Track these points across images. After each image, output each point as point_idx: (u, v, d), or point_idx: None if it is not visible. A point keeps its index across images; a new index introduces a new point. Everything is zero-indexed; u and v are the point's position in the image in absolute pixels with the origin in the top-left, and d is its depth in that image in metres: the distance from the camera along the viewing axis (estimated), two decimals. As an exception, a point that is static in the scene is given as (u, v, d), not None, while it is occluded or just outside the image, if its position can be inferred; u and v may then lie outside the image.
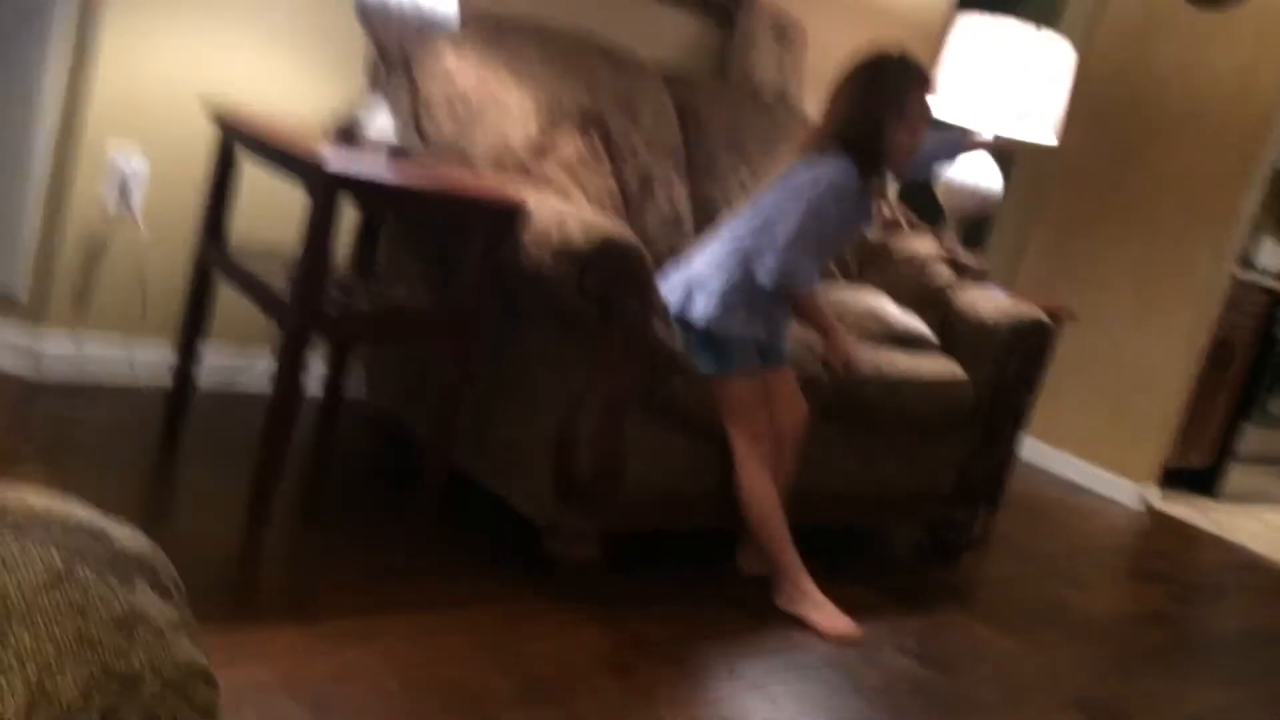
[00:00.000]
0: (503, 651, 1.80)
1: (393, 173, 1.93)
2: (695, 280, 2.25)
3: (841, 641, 2.18)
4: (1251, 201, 4.07)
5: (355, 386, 2.62)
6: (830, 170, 2.21)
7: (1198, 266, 4.06)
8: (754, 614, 2.23)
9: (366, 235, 2.33)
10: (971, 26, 3.35)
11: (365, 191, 1.96)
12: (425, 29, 2.01)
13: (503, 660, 1.77)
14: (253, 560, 1.93)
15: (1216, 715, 2.39)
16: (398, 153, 2.02)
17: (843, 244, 2.70)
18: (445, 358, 2.09)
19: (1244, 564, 3.81)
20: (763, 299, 2.24)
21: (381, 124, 2.02)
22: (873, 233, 3.12)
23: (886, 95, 2.21)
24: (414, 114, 2.30)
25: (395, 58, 2.05)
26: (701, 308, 2.22)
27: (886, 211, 3.19)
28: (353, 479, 2.41)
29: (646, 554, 2.33)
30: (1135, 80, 4.25)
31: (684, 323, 2.22)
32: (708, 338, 2.21)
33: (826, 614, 2.21)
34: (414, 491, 2.12)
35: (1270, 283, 4.59)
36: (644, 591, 2.19)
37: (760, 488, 2.24)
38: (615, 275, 2.00)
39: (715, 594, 2.28)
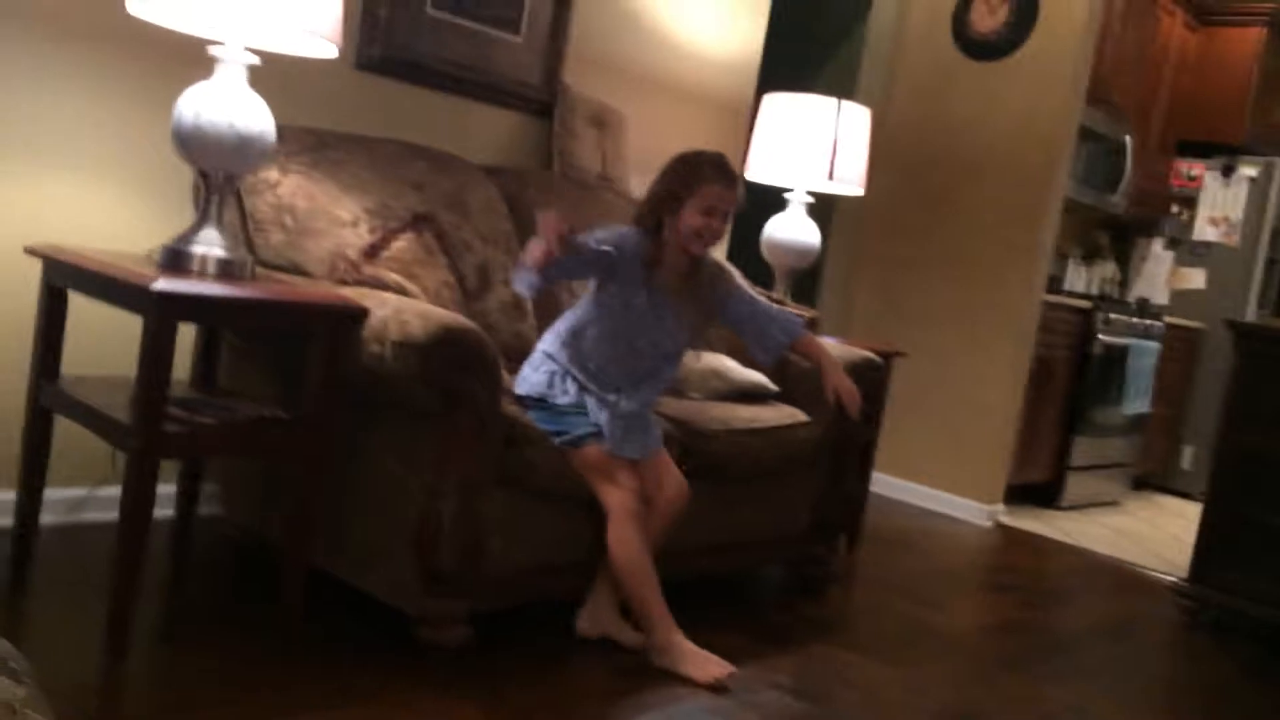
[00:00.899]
0: (383, 743, 1.82)
1: (222, 288, 1.97)
2: (532, 358, 2.42)
3: (716, 687, 2.26)
4: (1051, 231, 4.41)
5: (209, 502, 2.61)
6: (615, 229, 2.42)
7: (1011, 296, 4.37)
8: (631, 674, 2.30)
9: (206, 352, 2.35)
10: (777, 103, 3.61)
11: (196, 308, 2.00)
12: (244, 148, 2.07)
13: (384, 751, 1.79)
14: (116, 691, 1.90)
15: (1071, 711, 2.55)
16: (229, 269, 2.06)
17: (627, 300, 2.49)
18: (297, 464, 2.12)
19: (1089, 566, 4.06)
20: (594, 370, 2.37)
21: (210, 244, 2.06)
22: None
23: (676, 181, 2.40)
24: (243, 231, 2.35)
25: (218, 179, 2.10)
26: (527, 378, 2.37)
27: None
28: (215, 595, 2.39)
29: (520, 626, 2.38)
30: (932, 132, 4.58)
31: (523, 398, 2.35)
32: (544, 408, 2.33)
33: (697, 663, 2.29)
34: (278, 600, 2.13)
35: (1078, 303, 4.96)
36: (521, 664, 2.23)
37: (628, 543, 2.30)
38: (458, 362, 2.08)
39: (592, 659, 2.34)
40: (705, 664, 2.29)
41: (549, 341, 2.44)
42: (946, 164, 4.55)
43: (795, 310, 3.29)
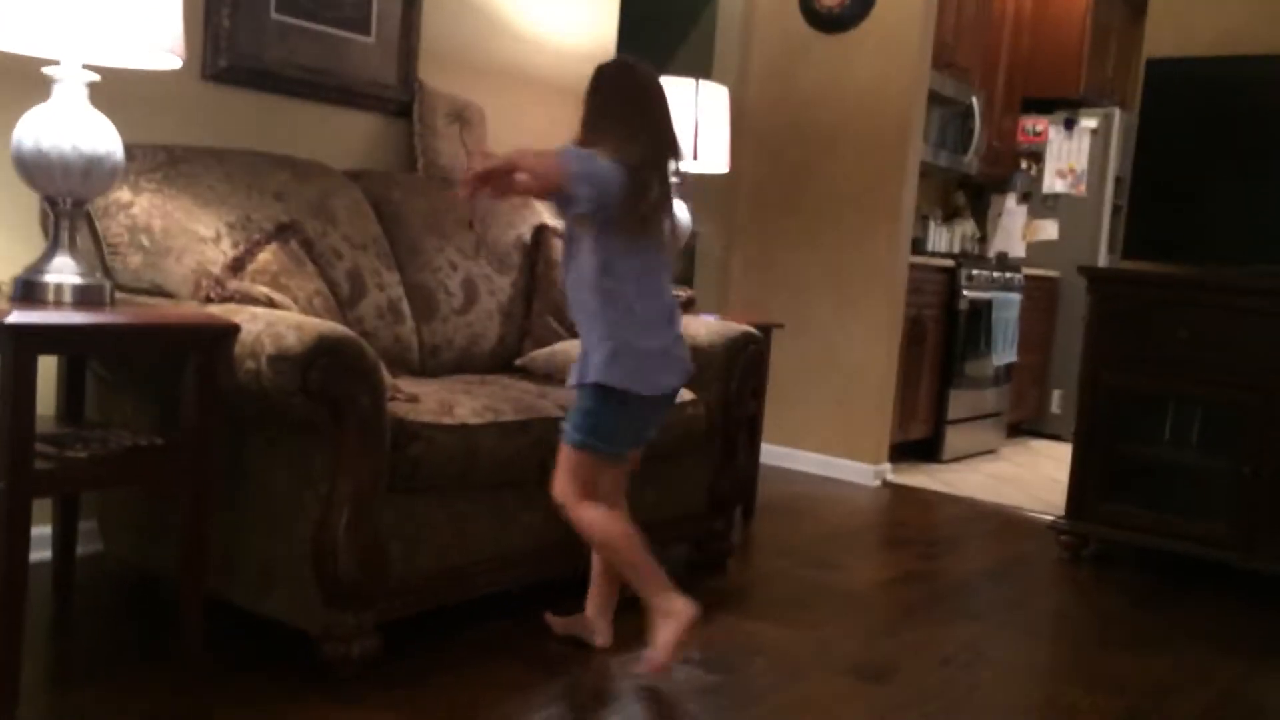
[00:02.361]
0: (297, 764, 1.79)
1: (82, 316, 1.90)
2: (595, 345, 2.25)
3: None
4: (910, 195, 4.54)
5: (89, 539, 2.51)
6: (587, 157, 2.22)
7: (879, 259, 4.49)
8: (539, 664, 2.30)
9: (70, 383, 2.26)
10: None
11: (55, 339, 1.92)
12: (91, 170, 1.99)
13: (299, 772, 1.76)
14: (10, 744, 1.82)
15: (969, 650, 2.65)
16: (86, 296, 1.98)
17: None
18: (179, 491, 2.06)
19: (974, 514, 4.21)
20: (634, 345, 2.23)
21: (63, 272, 1.97)
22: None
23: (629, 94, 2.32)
24: (99, 256, 2.26)
25: (66, 205, 2.02)
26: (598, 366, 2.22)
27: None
28: (106, 634, 2.30)
29: (431, 630, 2.35)
30: (790, 106, 4.68)
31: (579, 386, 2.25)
32: (598, 400, 2.23)
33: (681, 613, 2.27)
34: (174, 633, 2.06)
35: (942, 262, 5.13)
36: (434, 669, 2.21)
37: (612, 527, 2.27)
38: (337, 371, 2.04)
39: (501, 653, 2.33)
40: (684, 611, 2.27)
41: (596, 324, 2.24)
42: (806, 137, 4.65)
43: (678, 291, 3.33)
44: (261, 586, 2.19)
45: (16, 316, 1.78)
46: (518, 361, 3.04)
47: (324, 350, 2.02)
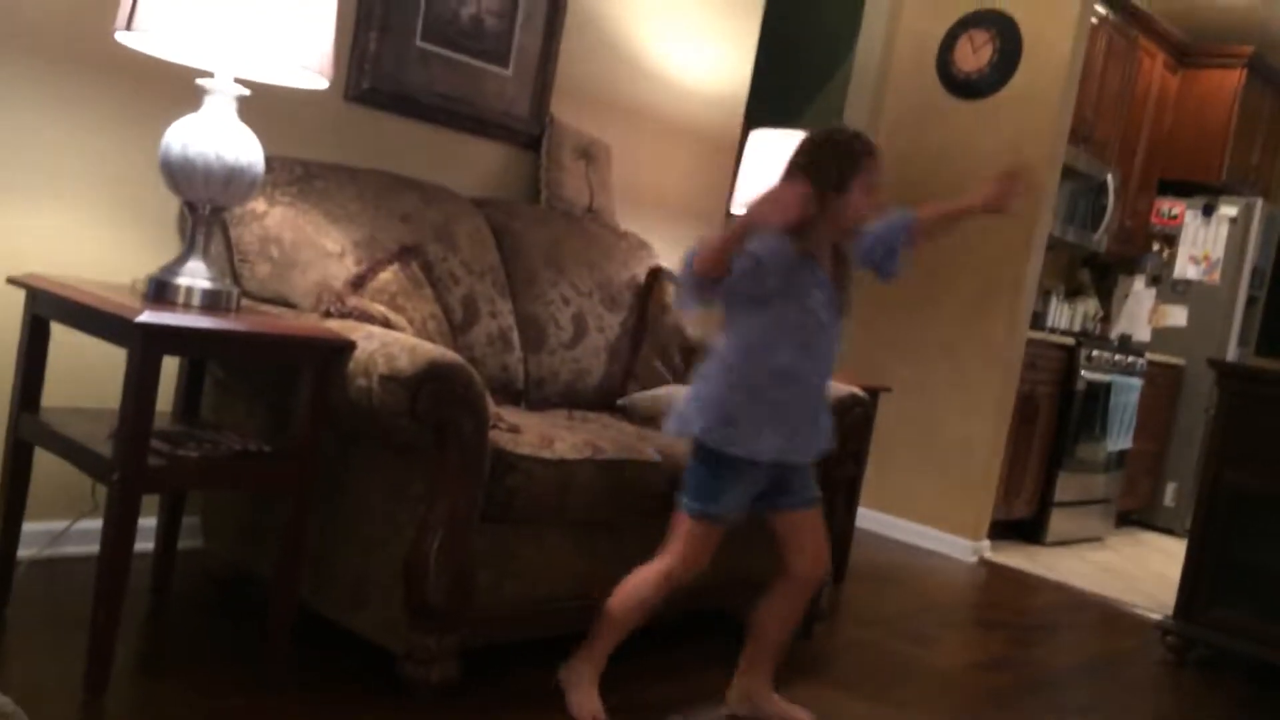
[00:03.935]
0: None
1: (208, 321, 1.95)
2: (702, 393, 2.17)
3: None
4: (1035, 268, 4.43)
5: (191, 535, 2.57)
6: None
7: (996, 331, 4.38)
8: (621, 708, 2.27)
9: (189, 384, 2.33)
10: (763, 139, 3.63)
11: (181, 340, 1.98)
12: (232, 180, 2.06)
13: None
14: (96, 728, 1.86)
15: (1060, 747, 2.54)
16: (214, 301, 2.04)
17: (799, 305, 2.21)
18: (282, 498, 2.10)
19: (1074, 603, 4.04)
20: (765, 399, 2.12)
21: (195, 276, 2.04)
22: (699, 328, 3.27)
23: (835, 165, 2.15)
24: (229, 263, 2.33)
25: (205, 211, 2.09)
26: (695, 418, 2.14)
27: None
28: (197, 630, 2.35)
29: (512, 662, 2.34)
30: (918, 168, 4.61)
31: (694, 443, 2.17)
32: (709, 460, 2.14)
33: (584, 699, 2.22)
34: (262, 634, 2.09)
35: (1062, 340, 4.98)
36: (507, 701, 2.20)
37: (648, 595, 2.18)
38: (444, 397, 2.06)
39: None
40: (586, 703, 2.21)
41: (718, 374, 2.16)
42: (929, 197, 4.56)
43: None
44: (350, 601, 2.21)
45: (148, 316, 1.84)
46: (620, 401, 3.03)
47: (434, 375, 2.04)
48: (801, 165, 2.17)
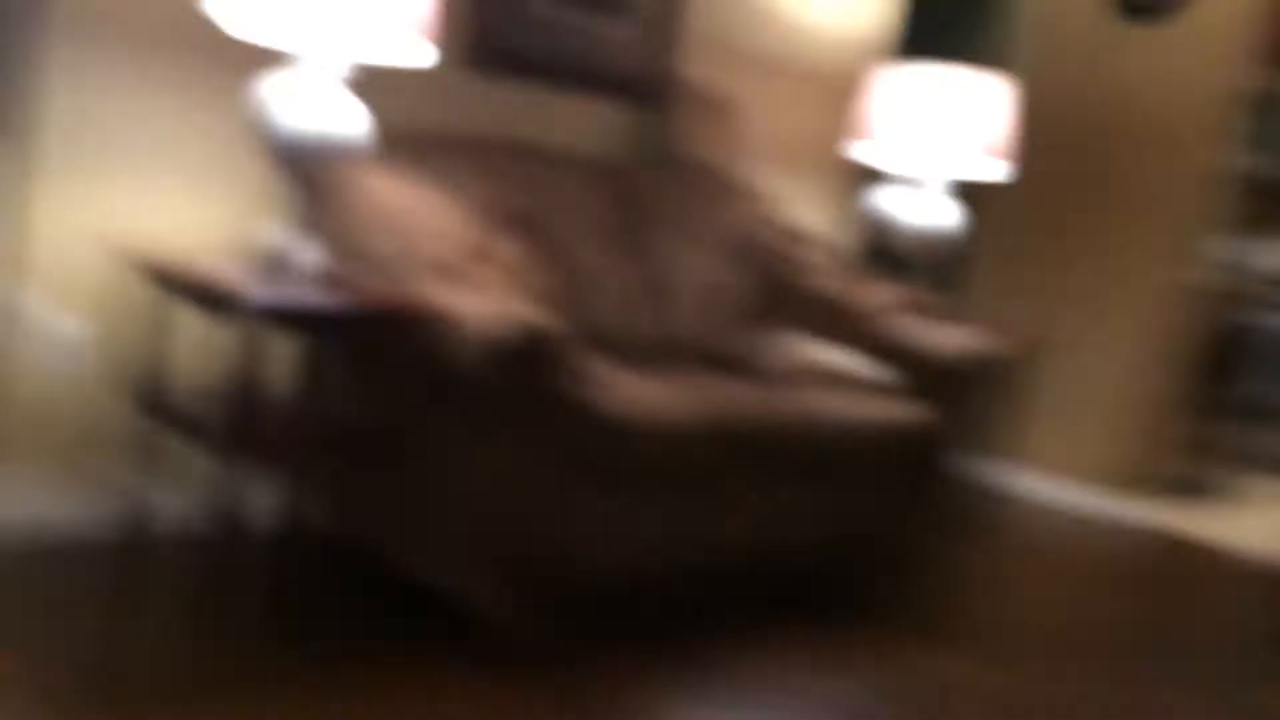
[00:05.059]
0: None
1: (321, 298, 2.01)
2: None
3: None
4: (1218, 206, 4.08)
5: (302, 506, 2.66)
6: None
7: (1169, 276, 4.07)
8: (717, 673, 2.24)
9: (300, 355, 2.40)
10: (891, 76, 3.41)
11: (294, 316, 2.04)
12: (341, 152, 2.10)
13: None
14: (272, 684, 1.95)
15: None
16: (325, 275, 2.10)
17: None
18: (390, 468, 2.15)
19: (1240, 571, 3.74)
20: None
21: (308, 251, 2.10)
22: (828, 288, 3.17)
23: None
24: (342, 236, 2.39)
25: (316, 184, 2.14)
26: None
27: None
28: (299, 597, 2.37)
29: (607, 628, 2.34)
30: (1091, 105, 4.30)
31: None
32: None
33: None
34: (365, 601, 2.16)
35: (1233, 285, 4.58)
36: (604, 666, 2.19)
37: None
38: (547, 362, 2.05)
39: (676, 661, 2.28)
40: None
41: None
42: (1107, 138, 4.27)
43: (931, 302, 3.15)
44: (451, 565, 2.25)
45: (260, 293, 1.90)
46: (747, 361, 2.97)
47: (533, 341, 2.04)
48: None
